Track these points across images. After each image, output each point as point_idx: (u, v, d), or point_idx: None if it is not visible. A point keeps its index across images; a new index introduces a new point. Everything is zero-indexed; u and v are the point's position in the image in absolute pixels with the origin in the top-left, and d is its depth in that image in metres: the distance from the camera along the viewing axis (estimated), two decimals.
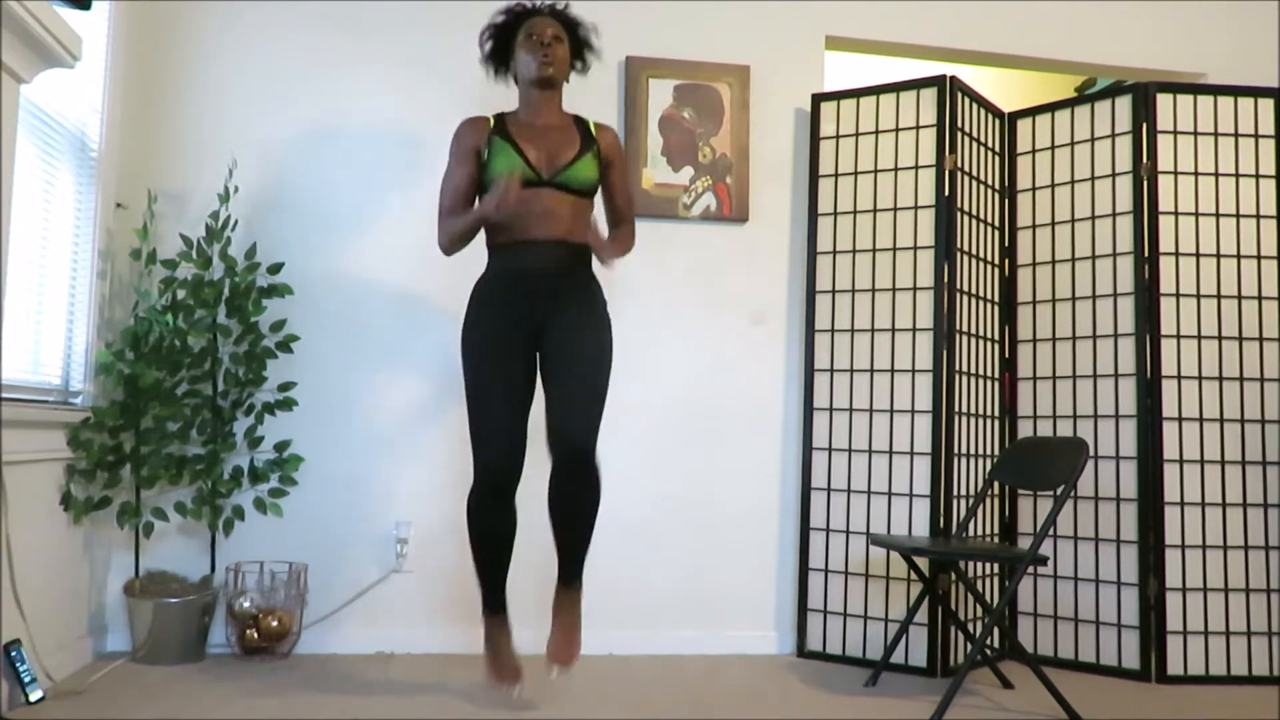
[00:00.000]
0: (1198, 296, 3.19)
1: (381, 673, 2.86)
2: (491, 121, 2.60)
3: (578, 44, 2.68)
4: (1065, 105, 3.41)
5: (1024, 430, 3.40)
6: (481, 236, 2.62)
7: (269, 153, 3.18)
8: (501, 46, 2.66)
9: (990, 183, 3.41)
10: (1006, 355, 3.45)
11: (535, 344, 2.52)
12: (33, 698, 2.39)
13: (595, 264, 2.63)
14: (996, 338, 3.41)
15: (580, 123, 2.64)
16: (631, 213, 2.75)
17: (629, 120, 3.34)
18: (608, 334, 2.57)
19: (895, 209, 3.28)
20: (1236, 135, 3.27)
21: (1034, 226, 3.44)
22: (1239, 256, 3.22)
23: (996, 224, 3.44)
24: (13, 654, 2.36)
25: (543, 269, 2.50)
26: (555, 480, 2.45)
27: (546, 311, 2.50)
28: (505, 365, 2.47)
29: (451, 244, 2.57)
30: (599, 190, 2.66)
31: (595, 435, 2.45)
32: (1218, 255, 3.22)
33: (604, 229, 2.77)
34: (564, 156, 2.52)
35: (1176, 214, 3.22)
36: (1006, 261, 3.48)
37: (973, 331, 3.27)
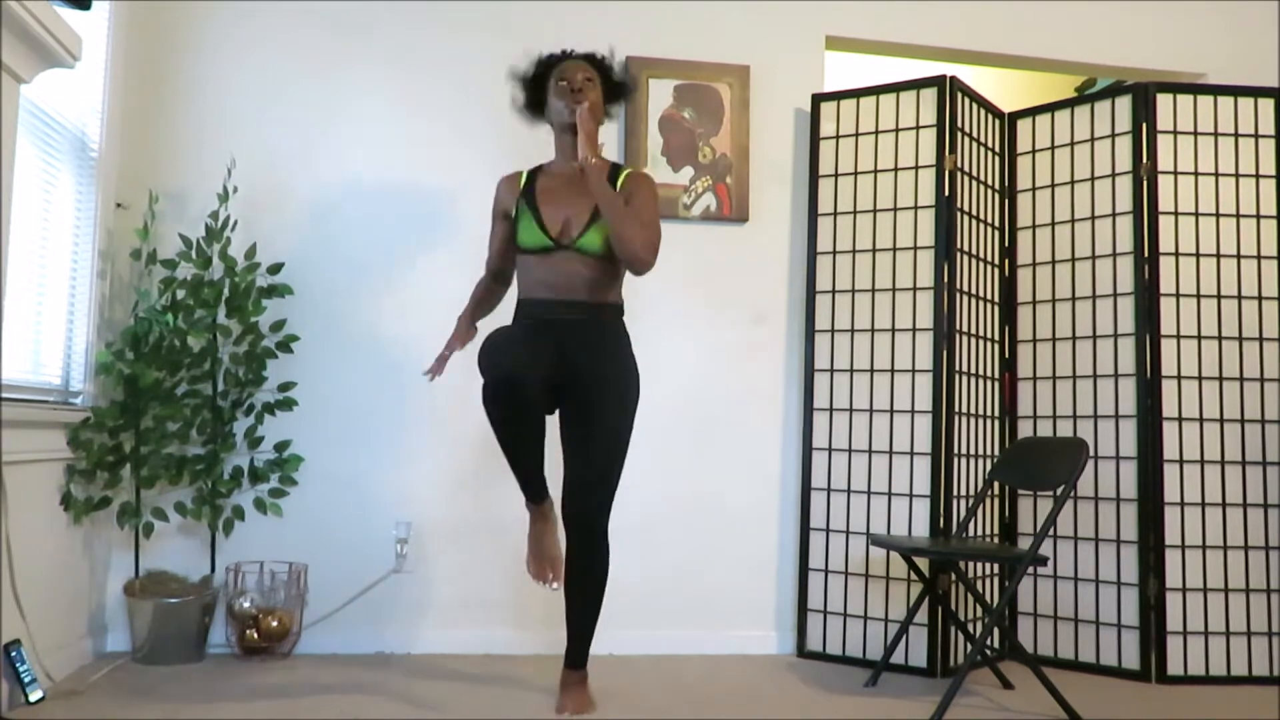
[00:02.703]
0: (1198, 296, 3.19)
1: (381, 673, 2.86)
2: (524, 178, 2.61)
3: (610, 88, 2.62)
4: (1065, 105, 3.41)
5: (1024, 430, 3.40)
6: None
7: (269, 153, 3.18)
8: (535, 95, 2.63)
9: (990, 183, 3.41)
10: (1006, 355, 3.45)
11: (560, 376, 2.45)
12: (33, 698, 2.39)
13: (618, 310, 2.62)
14: (996, 338, 3.41)
15: (615, 171, 2.56)
16: (646, 218, 2.50)
17: (629, 120, 3.34)
18: (631, 395, 2.53)
19: (895, 209, 3.28)
20: (1236, 135, 3.27)
21: (1034, 226, 3.44)
22: (1239, 256, 3.22)
23: (996, 224, 3.44)
24: (13, 654, 2.36)
25: (562, 321, 2.49)
26: (567, 549, 2.53)
27: (573, 353, 2.46)
28: (529, 349, 2.36)
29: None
30: None
31: (606, 514, 2.50)
32: (1218, 255, 3.22)
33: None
34: (580, 219, 2.49)
35: (1176, 214, 3.22)
36: (1006, 261, 3.48)
37: (973, 331, 3.27)
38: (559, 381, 2.46)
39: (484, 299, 2.73)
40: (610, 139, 3.34)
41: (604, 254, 2.49)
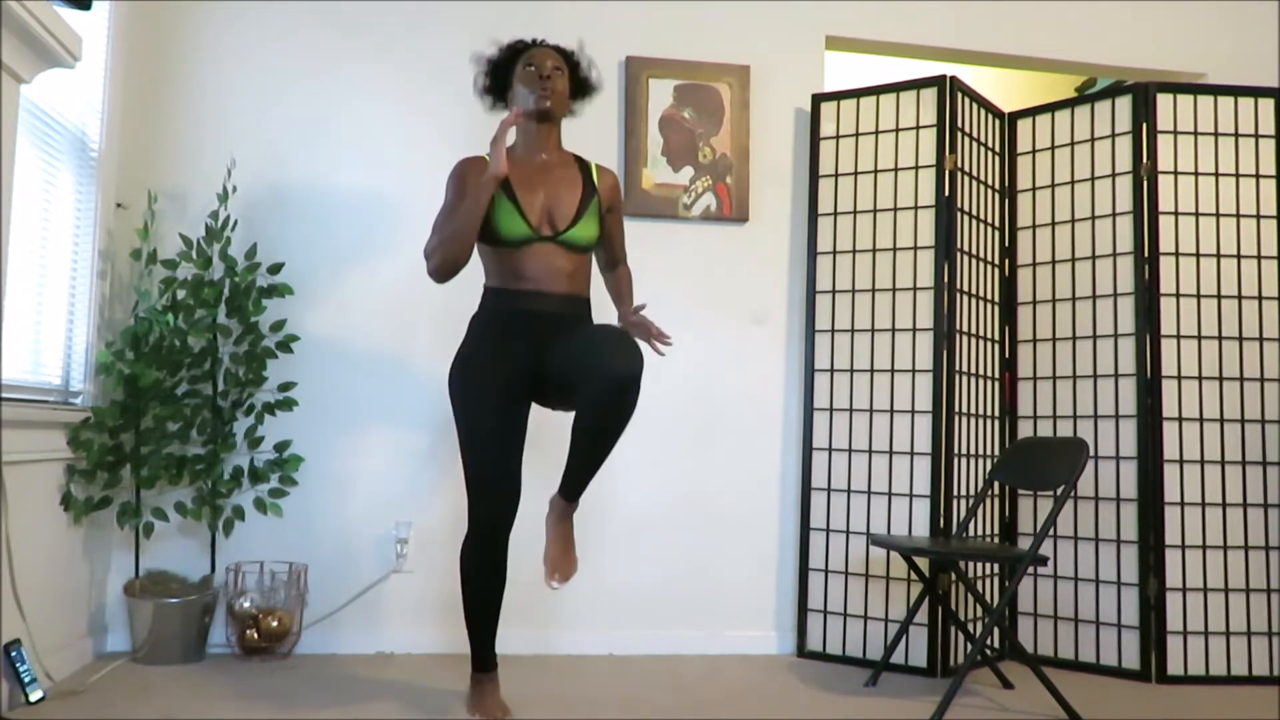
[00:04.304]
0: (1198, 296, 3.19)
1: (381, 673, 2.86)
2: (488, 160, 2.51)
3: (578, 82, 2.59)
4: (1065, 105, 3.41)
5: (1024, 430, 3.40)
6: (476, 269, 2.55)
7: (269, 152, 3.18)
8: (499, 80, 2.59)
9: (990, 183, 3.41)
10: (1006, 355, 3.45)
11: (532, 384, 2.44)
12: (33, 698, 2.39)
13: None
14: (996, 338, 3.41)
15: (582, 165, 2.56)
16: (624, 254, 2.72)
17: (629, 120, 3.34)
18: None
19: (895, 209, 3.28)
20: (1236, 135, 3.27)
21: (1034, 226, 3.44)
22: (1239, 256, 3.22)
23: (996, 224, 3.44)
24: (13, 654, 2.36)
25: (542, 312, 2.44)
26: (598, 401, 2.23)
27: (545, 351, 2.41)
28: (503, 407, 2.40)
29: (446, 257, 2.42)
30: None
31: (642, 365, 2.23)
32: (1218, 255, 3.22)
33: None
34: (565, 211, 2.45)
35: (1176, 214, 3.22)
36: (1006, 261, 3.48)
37: (973, 331, 3.27)
38: (535, 385, 2.43)
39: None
40: (610, 139, 3.34)
41: (587, 248, 2.49)
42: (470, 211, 2.37)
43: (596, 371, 2.20)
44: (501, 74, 2.58)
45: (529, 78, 2.49)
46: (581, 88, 2.62)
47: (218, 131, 3.16)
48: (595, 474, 2.36)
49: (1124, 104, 3.29)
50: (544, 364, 2.40)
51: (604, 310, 2.67)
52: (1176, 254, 3.20)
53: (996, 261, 3.43)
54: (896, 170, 3.29)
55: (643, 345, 2.66)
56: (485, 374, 2.43)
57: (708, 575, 3.30)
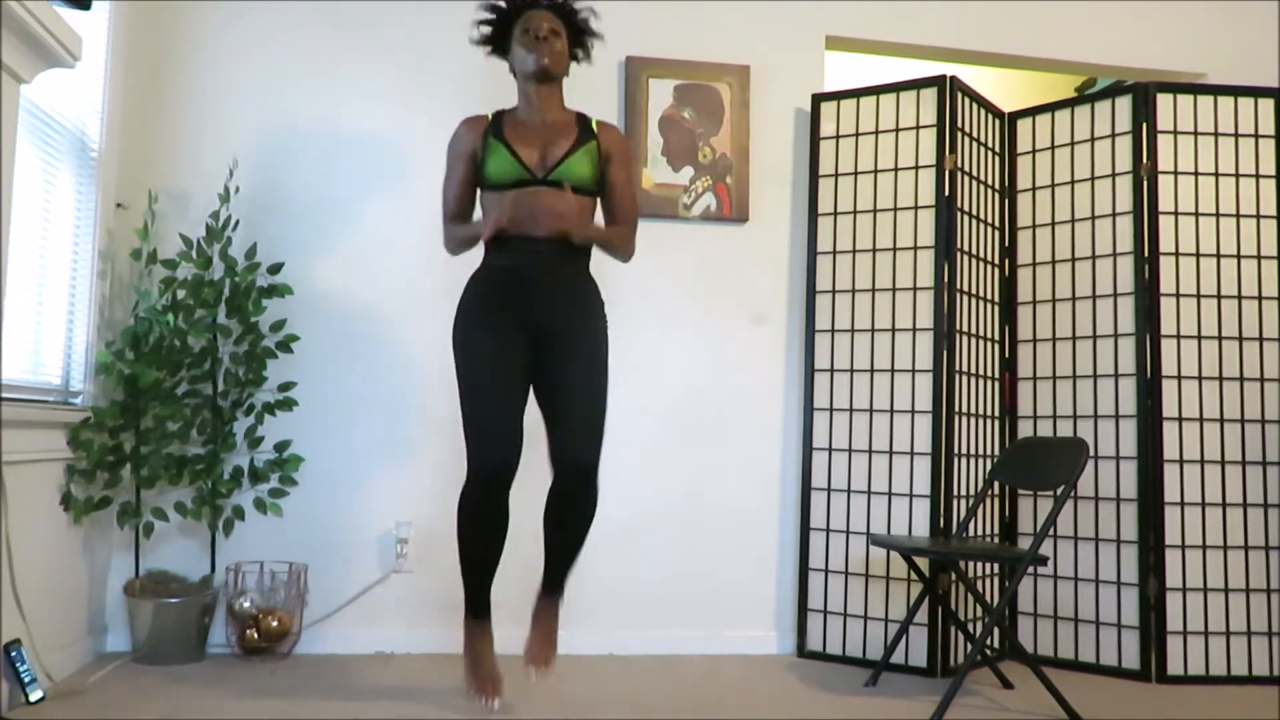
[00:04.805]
0: (1198, 296, 3.19)
1: (381, 673, 2.86)
2: (490, 119, 2.57)
3: (577, 35, 2.62)
4: (1065, 105, 3.41)
5: (1024, 430, 3.40)
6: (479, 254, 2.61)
7: (269, 152, 3.18)
8: (499, 35, 2.61)
9: (990, 183, 3.41)
10: (1006, 355, 3.45)
11: (531, 342, 2.47)
12: (33, 698, 2.39)
13: (593, 265, 2.61)
14: (996, 338, 3.41)
15: (582, 120, 2.59)
16: (633, 215, 2.62)
17: (629, 120, 3.34)
18: (604, 346, 2.52)
19: (895, 209, 3.28)
20: (1236, 135, 3.27)
21: (1034, 226, 3.44)
22: (1239, 256, 3.22)
23: (996, 224, 3.44)
24: (13, 654, 2.35)
25: (539, 265, 2.46)
26: (556, 495, 2.45)
27: (543, 312, 2.45)
28: (501, 359, 2.44)
29: (455, 249, 2.61)
30: (600, 191, 2.59)
31: (599, 454, 2.44)
32: (1218, 255, 3.22)
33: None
34: (558, 152, 2.49)
35: (1176, 214, 3.22)
36: (1006, 261, 3.48)
37: (973, 331, 3.27)
38: (530, 339, 2.47)
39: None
40: None
41: (581, 187, 2.49)
42: (466, 240, 2.55)
43: (556, 456, 2.41)
44: (501, 27, 2.60)
45: (527, 40, 2.51)
46: (581, 41, 2.64)
47: (218, 131, 3.16)
48: (571, 568, 2.51)
49: (1124, 104, 3.29)
50: (539, 324, 2.46)
51: (607, 302, 2.66)
52: (1176, 254, 3.20)
53: (996, 261, 3.43)
54: (896, 170, 3.29)
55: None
56: (482, 324, 2.47)
57: (708, 575, 3.30)
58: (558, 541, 2.50)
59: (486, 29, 2.63)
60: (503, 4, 2.60)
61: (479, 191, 2.58)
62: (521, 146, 2.49)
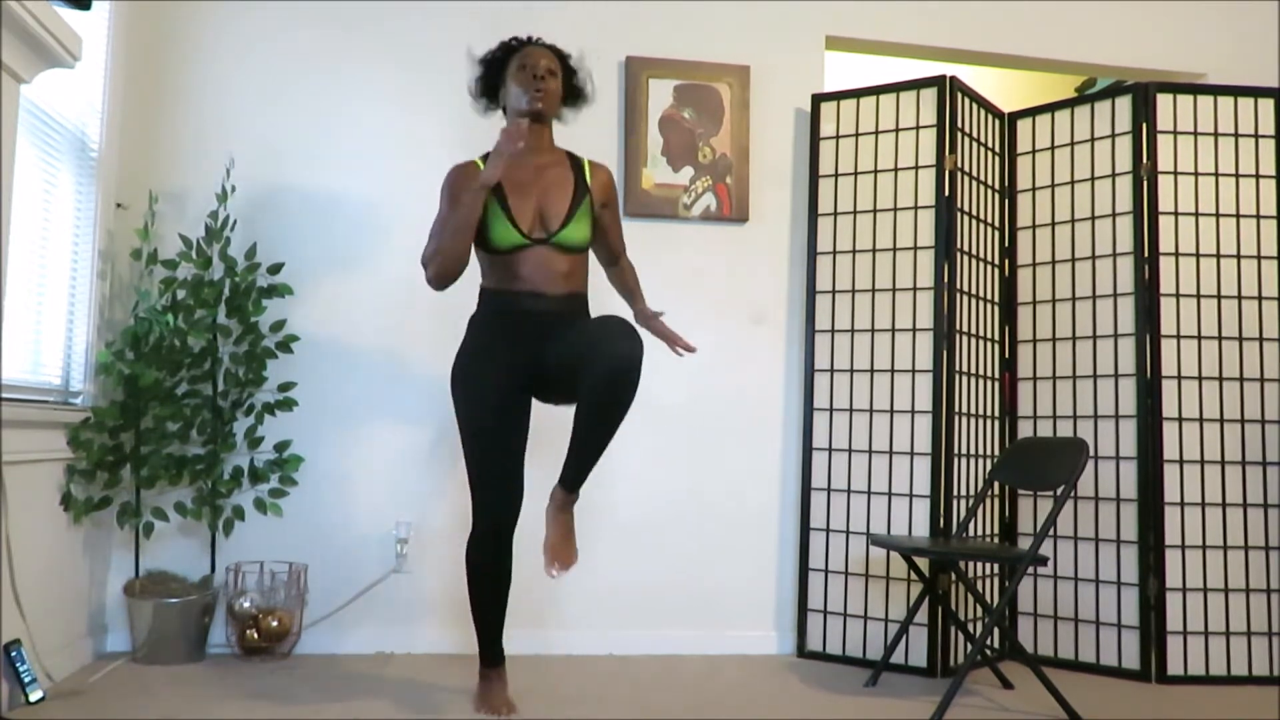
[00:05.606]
0: (1198, 296, 3.19)
1: (381, 673, 2.86)
2: (480, 165, 2.51)
3: (571, 84, 2.59)
4: (1065, 105, 3.41)
5: (1024, 430, 3.39)
6: (474, 274, 2.56)
7: (269, 152, 3.18)
8: (493, 79, 2.58)
9: (990, 183, 3.41)
10: (1006, 355, 3.45)
11: (532, 383, 2.45)
12: (33, 698, 2.39)
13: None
14: (996, 338, 3.41)
15: (574, 162, 2.55)
16: (622, 243, 2.70)
17: (629, 120, 3.34)
18: None
19: (895, 209, 3.28)
20: (1236, 135, 3.27)
21: (1034, 226, 3.44)
22: (1239, 256, 3.22)
23: (996, 224, 3.44)
24: (13, 654, 2.35)
25: (539, 311, 2.44)
26: (595, 388, 2.23)
27: (543, 349, 2.41)
28: (505, 407, 2.43)
29: (442, 268, 2.44)
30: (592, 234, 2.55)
31: (641, 354, 2.23)
32: (1218, 255, 3.22)
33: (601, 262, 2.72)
34: (556, 212, 2.45)
35: (1176, 214, 3.22)
36: (1006, 261, 3.48)
37: (973, 331, 3.27)
38: (535, 383, 2.45)
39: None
40: (610, 139, 3.34)
41: (581, 248, 2.49)
42: (462, 223, 2.39)
43: (595, 358, 2.21)
44: (495, 72, 2.57)
45: (523, 77, 2.48)
46: (574, 94, 2.60)
47: (218, 131, 3.16)
48: (595, 463, 2.35)
49: (1124, 104, 3.29)
50: (543, 361, 2.41)
51: (601, 305, 2.66)
52: (1176, 254, 3.20)
53: (996, 261, 3.43)
54: (896, 170, 3.29)
55: (662, 346, 2.66)
56: (485, 374, 2.44)
57: (708, 575, 3.30)
58: (595, 436, 2.30)
59: (482, 80, 2.59)
60: (498, 52, 2.56)
61: (474, 247, 2.50)
62: (517, 200, 2.44)
